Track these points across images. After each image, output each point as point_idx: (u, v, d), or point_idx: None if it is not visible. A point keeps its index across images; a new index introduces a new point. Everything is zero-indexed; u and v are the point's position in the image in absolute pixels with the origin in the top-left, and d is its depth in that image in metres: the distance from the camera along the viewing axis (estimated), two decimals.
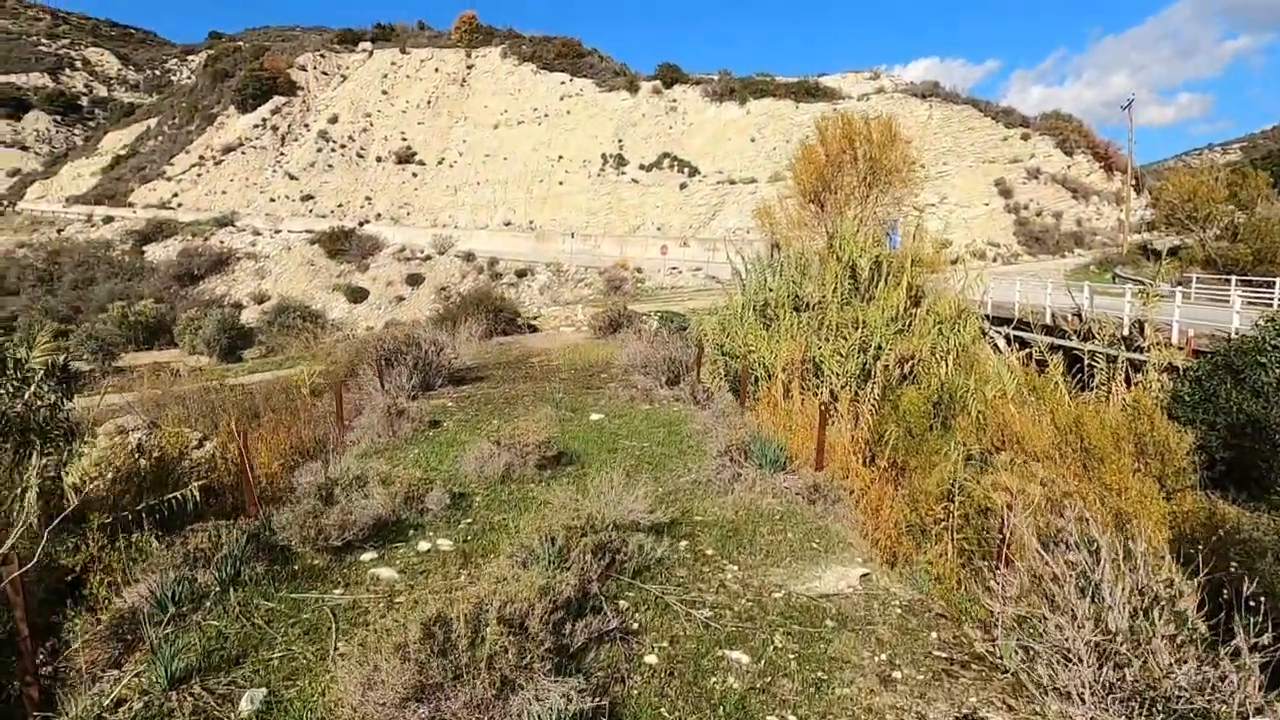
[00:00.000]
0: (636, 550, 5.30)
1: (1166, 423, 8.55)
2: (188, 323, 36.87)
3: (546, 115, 67.69)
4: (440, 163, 70.67)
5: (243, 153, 74.00)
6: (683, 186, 57.92)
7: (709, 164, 58.41)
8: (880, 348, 10.80)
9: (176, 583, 4.59)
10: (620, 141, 62.44)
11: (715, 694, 3.84)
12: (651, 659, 4.13)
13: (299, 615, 4.56)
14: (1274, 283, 21.02)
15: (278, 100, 77.15)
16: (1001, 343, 18.27)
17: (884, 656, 4.27)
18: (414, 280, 51.58)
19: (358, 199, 69.06)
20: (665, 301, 31.88)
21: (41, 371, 5.55)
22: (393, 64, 79.73)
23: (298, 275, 55.43)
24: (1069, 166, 53.21)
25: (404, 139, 72.84)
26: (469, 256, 51.94)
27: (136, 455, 6.44)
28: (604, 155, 62.29)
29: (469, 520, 6.31)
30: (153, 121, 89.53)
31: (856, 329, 10.93)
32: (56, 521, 4.35)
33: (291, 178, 71.07)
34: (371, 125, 74.64)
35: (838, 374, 10.63)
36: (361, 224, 62.16)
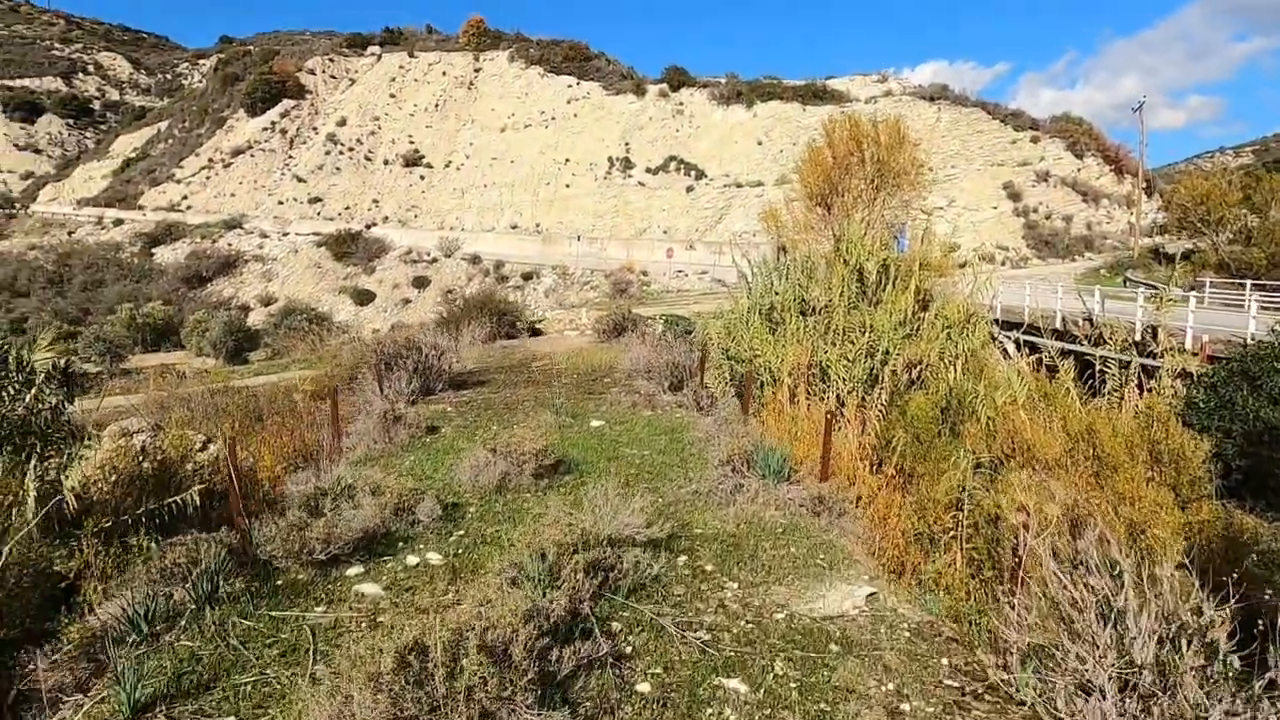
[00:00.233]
0: (632, 567, 5.08)
1: (1181, 430, 8.29)
2: (195, 325, 36.91)
3: (553, 118, 67.59)
4: (447, 166, 70.73)
5: (251, 155, 74.37)
6: (689, 189, 57.66)
7: (716, 167, 58.12)
8: (888, 352, 10.56)
9: (150, 600, 4.40)
10: (627, 144, 62.25)
11: None
12: (644, 687, 3.91)
13: (278, 635, 4.36)
14: None
15: (286, 103, 77.51)
16: (1011, 348, 17.96)
17: (892, 686, 4.03)
18: (420, 283, 51.54)
19: (365, 202, 69.21)
20: (671, 305, 31.61)
21: (43, 374, 5.41)
22: (401, 67, 79.94)
23: (304, 278, 55.54)
24: (1079, 169, 52.56)
25: (411, 142, 72.95)
26: (475, 259, 51.83)
27: (139, 458, 6.27)
28: (611, 158, 62.11)
29: (460, 533, 6.10)
30: (163, 125, 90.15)
31: (864, 333, 10.70)
32: (56, 530, 4.17)
33: (299, 180, 71.31)
34: (379, 128, 74.81)
35: (844, 379, 10.40)
36: (369, 227, 62.25)
